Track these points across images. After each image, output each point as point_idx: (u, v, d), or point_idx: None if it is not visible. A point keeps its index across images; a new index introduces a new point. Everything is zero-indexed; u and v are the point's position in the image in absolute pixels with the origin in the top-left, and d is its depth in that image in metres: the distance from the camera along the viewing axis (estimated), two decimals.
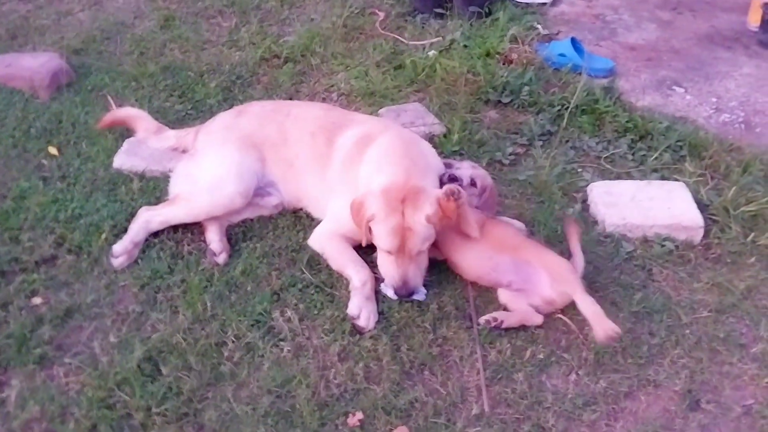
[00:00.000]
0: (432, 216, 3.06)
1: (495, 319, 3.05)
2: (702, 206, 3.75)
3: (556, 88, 4.79)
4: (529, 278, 3.14)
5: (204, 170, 3.50)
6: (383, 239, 3.11)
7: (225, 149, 3.54)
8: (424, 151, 3.47)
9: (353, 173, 3.35)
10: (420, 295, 3.18)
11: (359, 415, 2.69)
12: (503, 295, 3.17)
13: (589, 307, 3.01)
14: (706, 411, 2.87)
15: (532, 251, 3.23)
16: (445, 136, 4.25)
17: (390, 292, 3.17)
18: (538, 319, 3.10)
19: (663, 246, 3.57)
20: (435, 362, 2.95)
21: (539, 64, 5.00)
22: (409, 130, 3.77)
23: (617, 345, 3.06)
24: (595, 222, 3.73)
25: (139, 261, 3.29)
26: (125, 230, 3.37)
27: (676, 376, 2.98)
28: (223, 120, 3.74)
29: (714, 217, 3.75)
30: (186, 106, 4.42)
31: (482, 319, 3.06)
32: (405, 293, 3.12)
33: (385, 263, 3.17)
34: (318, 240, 3.41)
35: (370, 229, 3.12)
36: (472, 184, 3.37)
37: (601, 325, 2.93)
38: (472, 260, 3.24)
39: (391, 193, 3.09)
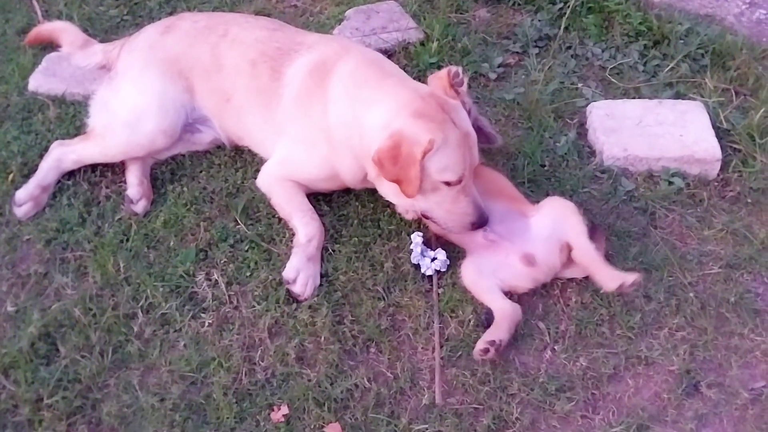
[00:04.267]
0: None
1: (493, 343, 2.37)
2: (721, 133, 3.14)
3: None
4: (513, 230, 2.63)
5: (121, 100, 2.94)
6: (453, 166, 2.48)
7: (145, 75, 2.95)
8: (396, 67, 2.87)
9: (313, 112, 2.74)
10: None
11: (284, 409, 2.27)
12: (467, 274, 2.62)
13: (592, 256, 2.53)
14: (706, 397, 2.41)
15: (528, 204, 2.73)
16: (422, 44, 3.59)
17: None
18: (519, 313, 2.51)
19: (671, 183, 3.00)
20: (383, 337, 2.49)
21: None
22: (369, 49, 3.13)
23: (604, 312, 2.57)
24: (592, 153, 3.14)
25: (47, 209, 2.81)
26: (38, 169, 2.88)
27: (674, 351, 2.50)
28: (147, 36, 3.10)
29: (735, 146, 3.14)
30: (122, 10, 3.77)
31: (476, 352, 2.39)
32: (487, 219, 2.57)
33: (449, 201, 2.54)
34: (266, 181, 2.86)
35: (422, 169, 2.45)
36: None
37: (609, 275, 2.47)
38: None
39: (428, 109, 2.50)
